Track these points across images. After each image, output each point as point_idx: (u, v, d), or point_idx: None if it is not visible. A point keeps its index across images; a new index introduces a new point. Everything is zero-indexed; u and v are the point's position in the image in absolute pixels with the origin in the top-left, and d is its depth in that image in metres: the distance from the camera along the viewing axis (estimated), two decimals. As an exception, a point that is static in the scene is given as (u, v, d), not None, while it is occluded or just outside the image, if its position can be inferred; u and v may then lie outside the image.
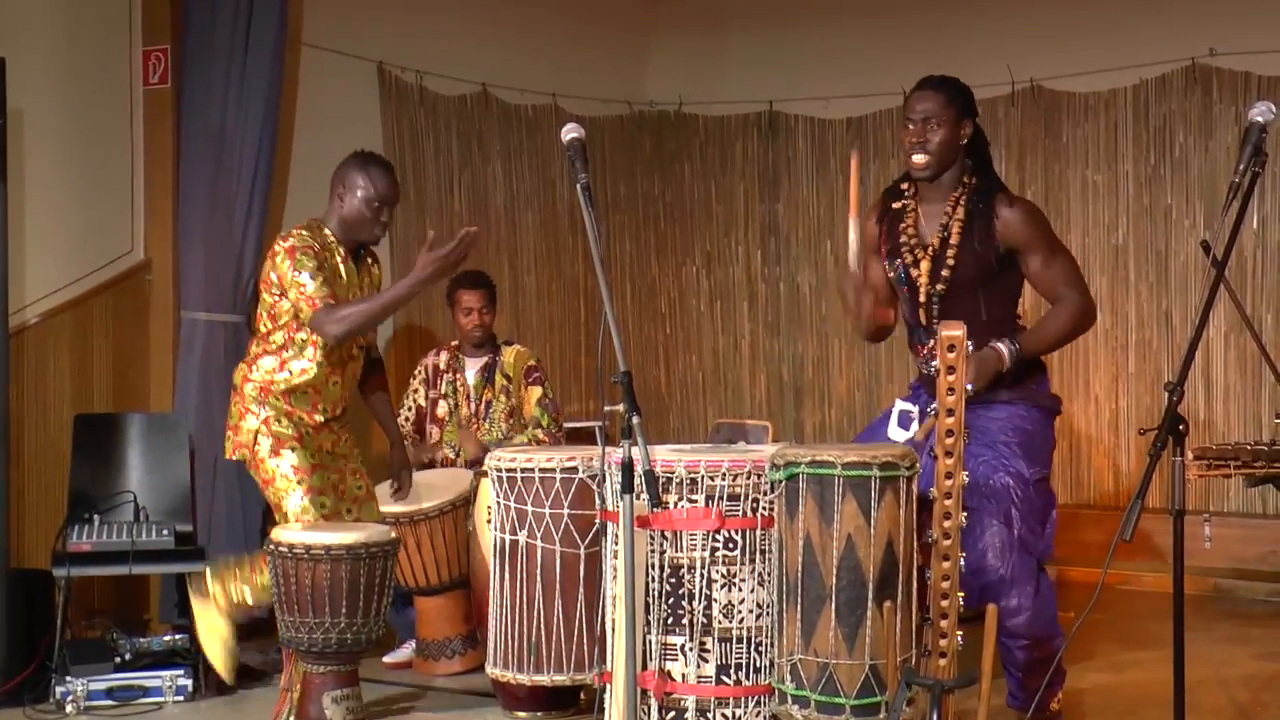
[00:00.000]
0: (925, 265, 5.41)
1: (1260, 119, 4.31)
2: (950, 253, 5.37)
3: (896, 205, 5.56)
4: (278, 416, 5.80)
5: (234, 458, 5.93)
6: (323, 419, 5.90)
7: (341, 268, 5.83)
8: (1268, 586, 8.55)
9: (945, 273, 5.38)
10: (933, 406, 4.67)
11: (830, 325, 10.49)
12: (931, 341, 5.35)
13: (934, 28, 9.90)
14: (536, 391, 7.48)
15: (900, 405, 5.56)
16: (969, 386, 4.64)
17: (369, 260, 6.04)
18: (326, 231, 5.82)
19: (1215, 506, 8.92)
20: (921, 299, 5.45)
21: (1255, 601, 8.47)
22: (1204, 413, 9.17)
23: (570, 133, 4.84)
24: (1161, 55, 9.30)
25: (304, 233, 5.75)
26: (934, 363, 4.80)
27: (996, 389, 5.27)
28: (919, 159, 5.37)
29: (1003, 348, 5.21)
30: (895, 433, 5.48)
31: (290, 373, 5.79)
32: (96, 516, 6.64)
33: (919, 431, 5.21)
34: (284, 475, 5.77)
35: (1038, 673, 5.30)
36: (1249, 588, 8.59)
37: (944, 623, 4.63)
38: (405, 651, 7.10)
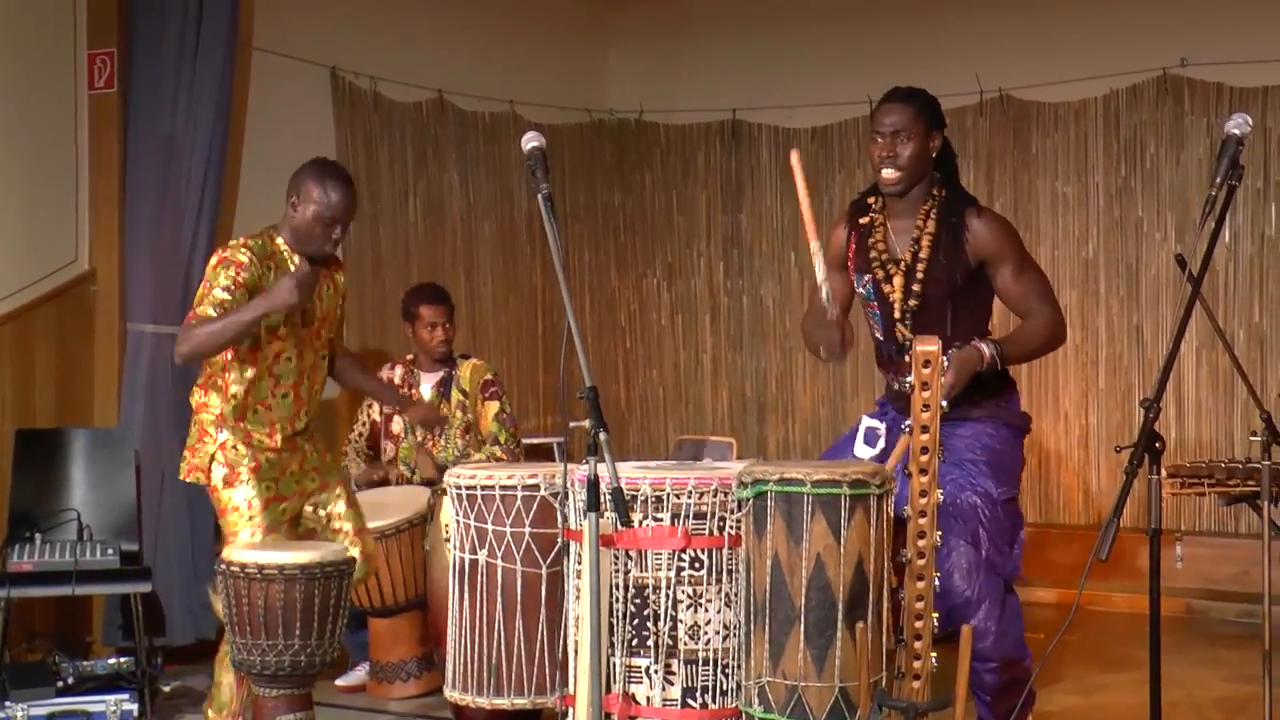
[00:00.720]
0: (898, 281, 5.32)
1: (1237, 131, 4.33)
2: (921, 267, 5.28)
3: (864, 220, 5.47)
4: (234, 443, 5.60)
5: (188, 479, 5.72)
6: (282, 439, 5.70)
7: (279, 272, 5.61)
8: (1239, 607, 8.50)
9: (917, 287, 5.29)
10: (906, 424, 4.57)
11: (794, 340, 10.39)
12: (905, 357, 5.23)
13: (901, 35, 9.89)
14: (494, 406, 7.35)
15: (867, 422, 5.49)
16: (947, 382, 4.61)
17: (332, 266, 5.82)
18: (279, 240, 5.60)
19: (1187, 526, 8.94)
20: (896, 314, 5.36)
21: (1227, 623, 8.43)
22: (1175, 430, 9.14)
23: (530, 141, 4.80)
24: (1133, 65, 9.30)
25: (247, 244, 5.52)
26: (908, 378, 4.70)
27: (969, 401, 5.16)
28: (889, 174, 5.28)
29: (984, 347, 5.11)
30: (862, 450, 5.41)
31: (236, 393, 5.58)
32: (38, 535, 6.56)
33: (892, 457, 5.12)
34: (235, 508, 5.59)
35: (1007, 696, 5.25)
36: (1221, 609, 8.56)
37: (918, 644, 4.60)
38: (359, 674, 7.04)
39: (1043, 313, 5.29)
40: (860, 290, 5.45)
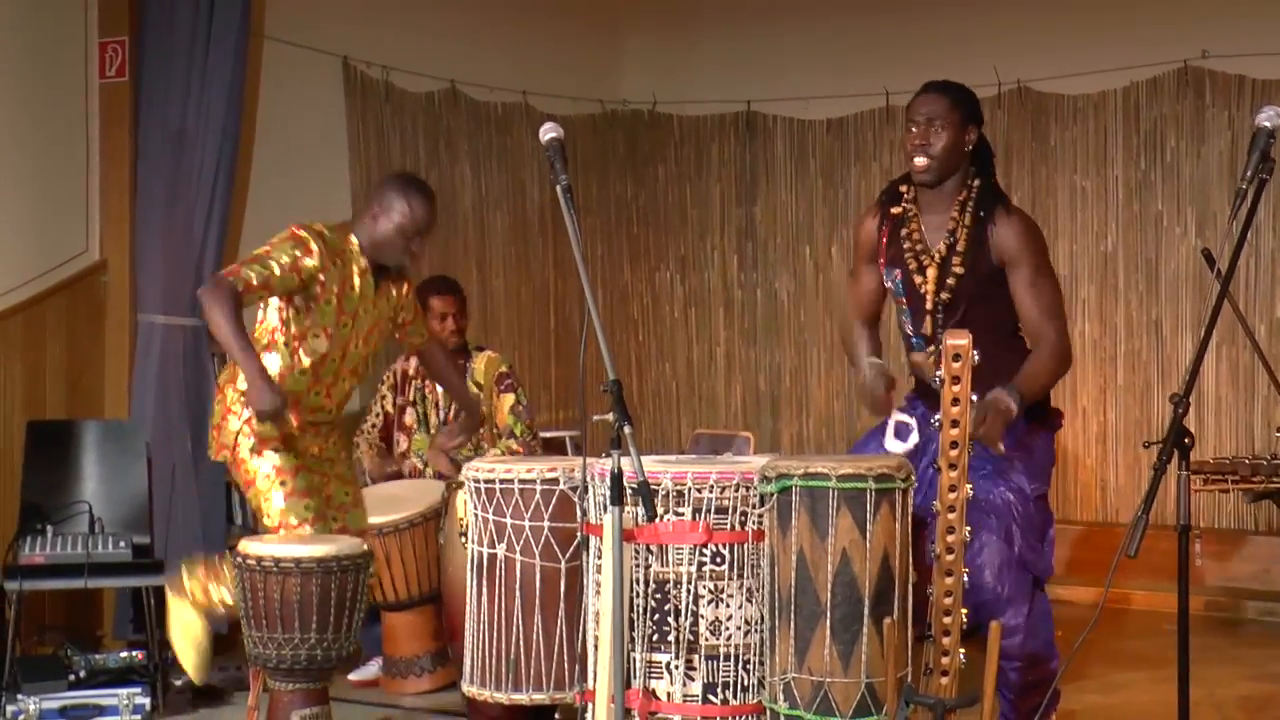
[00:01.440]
0: (932, 274, 5.29)
1: (1268, 124, 4.21)
2: (956, 260, 5.25)
3: (896, 210, 5.42)
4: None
5: (218, 458, 5.77)
6: (305, 422, 5.70)
7: (357, 280, 5.64)
8: (1260, 605, 8.46)
9: (951, 280, 5.25)
10: (936, 418, 4.52)
11: (809, 334, 10.36)
12: (932, 348, 5.24)
13: (918, 26, 9.84)
14: (509, 399, 7.32)
15: (898, 417, 5.44)
16: (981, 430, 4.66)
17: (395, 277, 5.83)
18: (352, 239, 5.65)
19: (1206, 523, 8.87)
20: (928, 307, 5.31)
21: (1247, 620, 8.38)
22: (1194, 426, 9.07)
23: (549, 132, 4.74)
24: (1153, 57, 9.26)
25: (323, 234, 5.57)
26: (938, 373, 4.64)
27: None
28: (920, 161, 5.23)
29: (1009, 400, 4.96)
30: (893, 445, 5.38)
31: (271, 376, 5.56)
32: (50, 528, 6.51)
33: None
34: (265, 475, 5.59)
35: (1031, 695, 5.23)
36: (1241, 606, 8.50)
37: (946, 640, 4.55)
38: (372, 669, 7.01)
39: (1048, 338, 5.20)
40: (890, 284, 5.41)
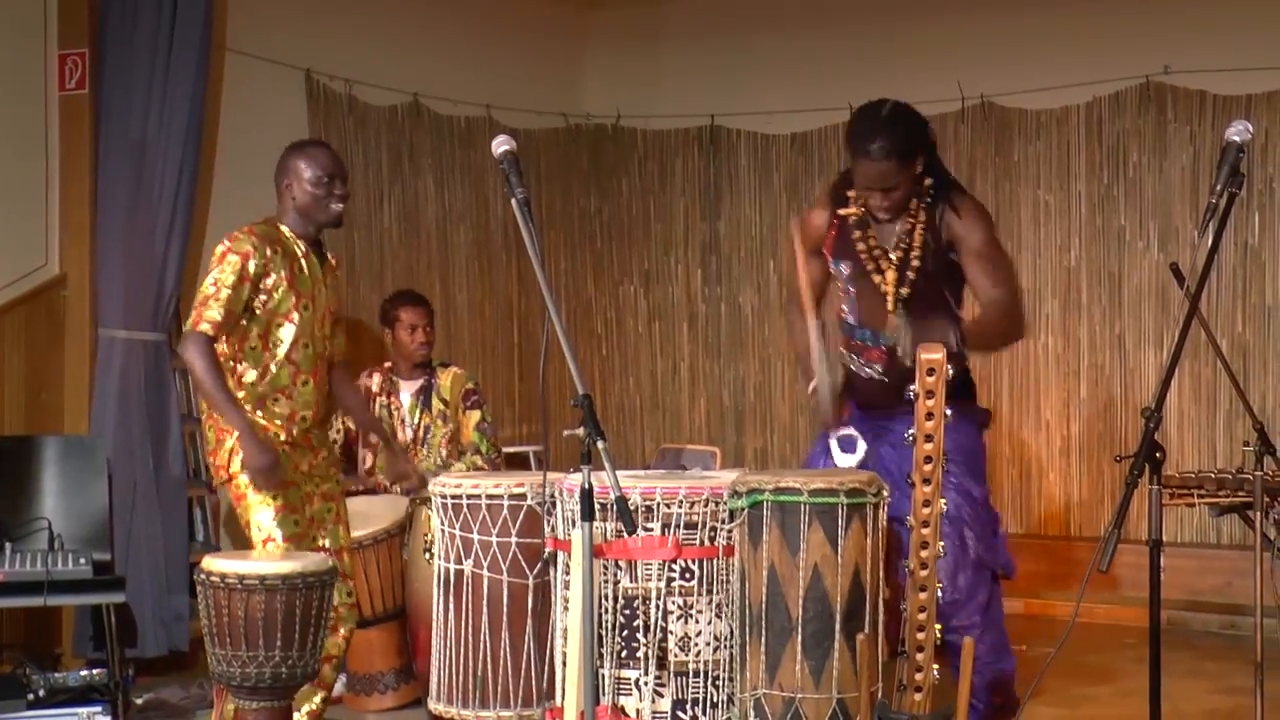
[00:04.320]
0: (891, 275, 5.37)
1: (1237, 138, 4.27)
2: (915, 255, 5.33)
3: (846, 212, 5.47)
4: None
5: (220, 485, 5.72)
6: (298, 431, 5.65)
7: (304, 263, 5.62)
8: (1221, 619, 8.46)
9: (911, 275, 5.34)
10: (910, 432, 4.52)
11: (773, 348, 10.35)
12: (867, 338, 5.39)
13: (882, 41, 9.85)
14: (475, 415, 7.32)
15: (841, 432, 5.52)
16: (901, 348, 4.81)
17: (330, 261, 5.81)
18: (283, 228, 5.63)
19: (1169, 537, 8.81)
20: (889, 306, 5.37)
21: (1209, 634, 8.37)
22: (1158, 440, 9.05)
23: (501, 145, 4.67)
24: (1115, 72, 9.27)
25: (252, 230, 5.54)
26: (871, 366, 5.10)
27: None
28: (883, 216, 5.36)
29: (950, 334, 5.03)
30: (841, 459, 5.45)
31: (252, 380, 5.56)
32: (8, 545, 6.40)
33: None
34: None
35: (989, 697, 5.34)
36: (1203, 620, 8.50)
37: (920, 655, 4.58)
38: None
39: (998, 300, 5.30)
40: (835, 272, 5.49)
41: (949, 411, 5.12)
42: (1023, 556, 8.42)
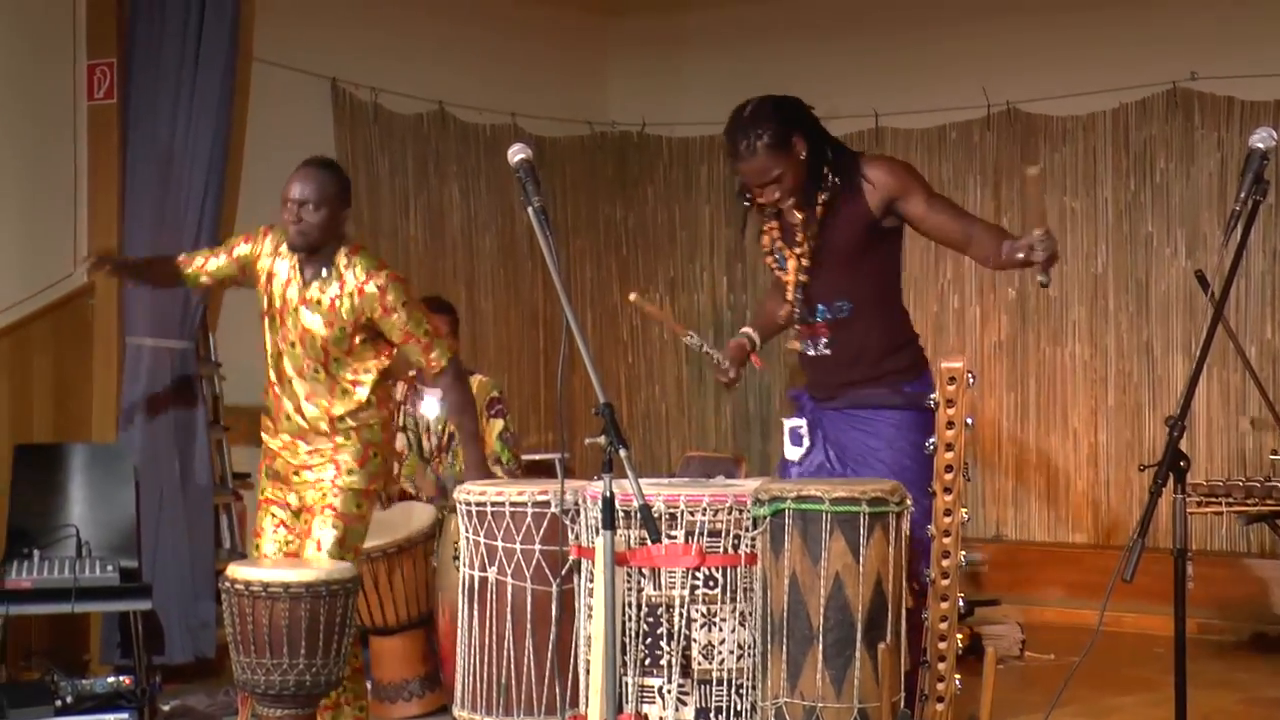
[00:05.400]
0: (791, 265, 5.36)
1: (1261, 145, 4.23)
2: (812, 234, 5.31)
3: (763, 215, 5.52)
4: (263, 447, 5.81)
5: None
6: (279, 444, 5.70)
7: (286, 270, 5.62)
8: (1252, 628, 8.41)
9: (806, 262, 5.33)
10: (930, 441, 4.48)
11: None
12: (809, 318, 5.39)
13: (907, 48, 9.84)
14: (498, 425, 7.31)
15: (790, 423, 5.52)
16: None
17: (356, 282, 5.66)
18: (283, 248, 5.69)
19: (1199, 545, 8.80)
20: (789, 296, 5.41)
21: (1240, 644, 8.32)
22: (1186, 448, 8.98)
23: (517, 154, 4.71)
24: (1142, 79, 9.26)
25: (271, 231, 5.73)
26: (813, 341, 5.22)
27: (887, 382, 5.27)
28: (788, 206, 5.34)
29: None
30: (791, 452, 5.46)
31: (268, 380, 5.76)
32: (36, 552, 6.46)
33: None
34: (258, 502, 5.78)
35: None
36: (1234, 629, 8.45)
37: (941, 665, 4.59)
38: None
39: (976, 224, 5.30)
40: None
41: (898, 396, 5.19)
42: (1050, 565, 8.47)
